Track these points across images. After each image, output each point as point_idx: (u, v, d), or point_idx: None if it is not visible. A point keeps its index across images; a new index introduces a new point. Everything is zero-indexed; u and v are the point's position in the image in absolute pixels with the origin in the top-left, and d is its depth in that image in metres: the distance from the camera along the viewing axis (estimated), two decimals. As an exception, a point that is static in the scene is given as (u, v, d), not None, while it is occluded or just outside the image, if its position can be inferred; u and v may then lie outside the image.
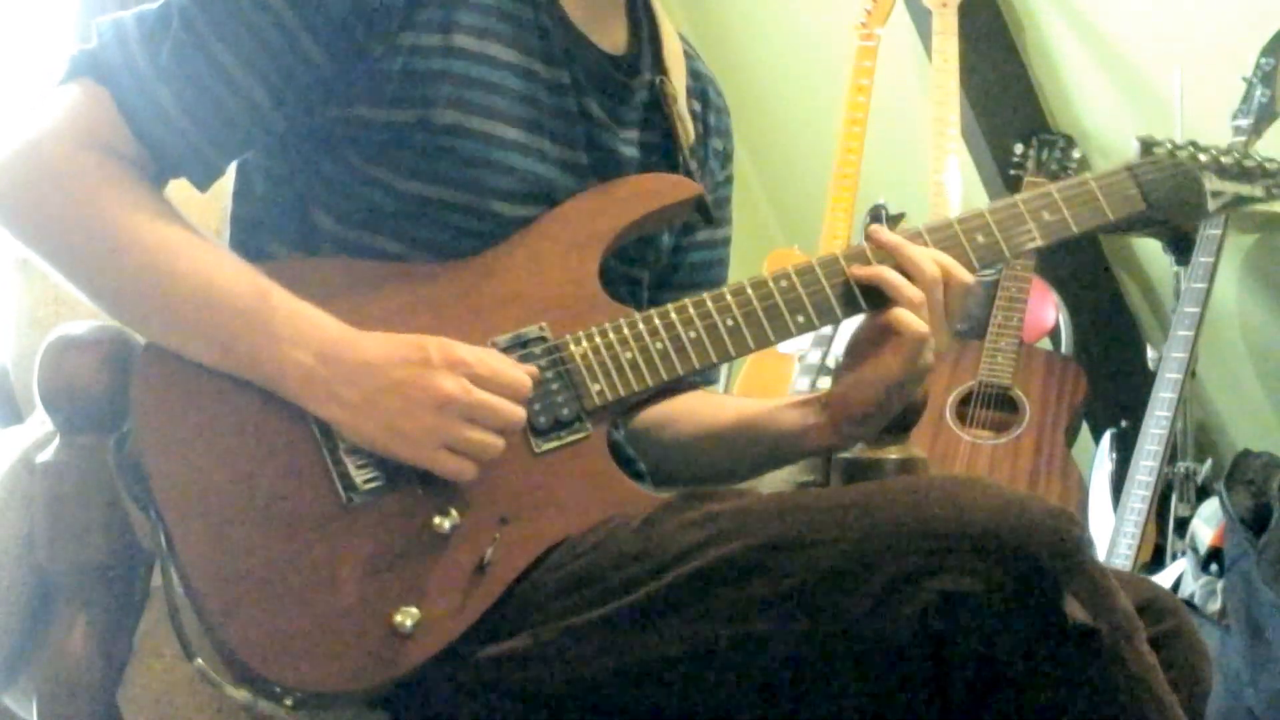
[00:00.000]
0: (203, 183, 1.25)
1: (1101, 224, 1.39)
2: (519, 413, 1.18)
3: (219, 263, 1.20)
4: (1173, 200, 1.41)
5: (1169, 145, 1.42)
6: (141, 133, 1.21)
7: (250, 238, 1.32)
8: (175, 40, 1.21)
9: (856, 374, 1.34)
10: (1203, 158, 1.43)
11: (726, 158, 1.51)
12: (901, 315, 1.28)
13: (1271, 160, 1.48)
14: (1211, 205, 1.43)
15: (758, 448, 1.44)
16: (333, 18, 1.22)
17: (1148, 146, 1.41)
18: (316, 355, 1.17)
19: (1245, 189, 1.45)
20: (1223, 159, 1.44)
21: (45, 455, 1.26)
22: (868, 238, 1.33)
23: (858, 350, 1.34)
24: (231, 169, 1.32)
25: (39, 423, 1.34)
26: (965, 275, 1.31)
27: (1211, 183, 1.43)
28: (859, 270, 1.31)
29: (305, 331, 1.17)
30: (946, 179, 3.07)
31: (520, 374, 1.19)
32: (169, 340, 1.18)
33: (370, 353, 1.17)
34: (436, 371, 1.16)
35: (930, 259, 1.30)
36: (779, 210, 4.23)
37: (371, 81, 1.24)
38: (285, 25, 1.21)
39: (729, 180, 1.52)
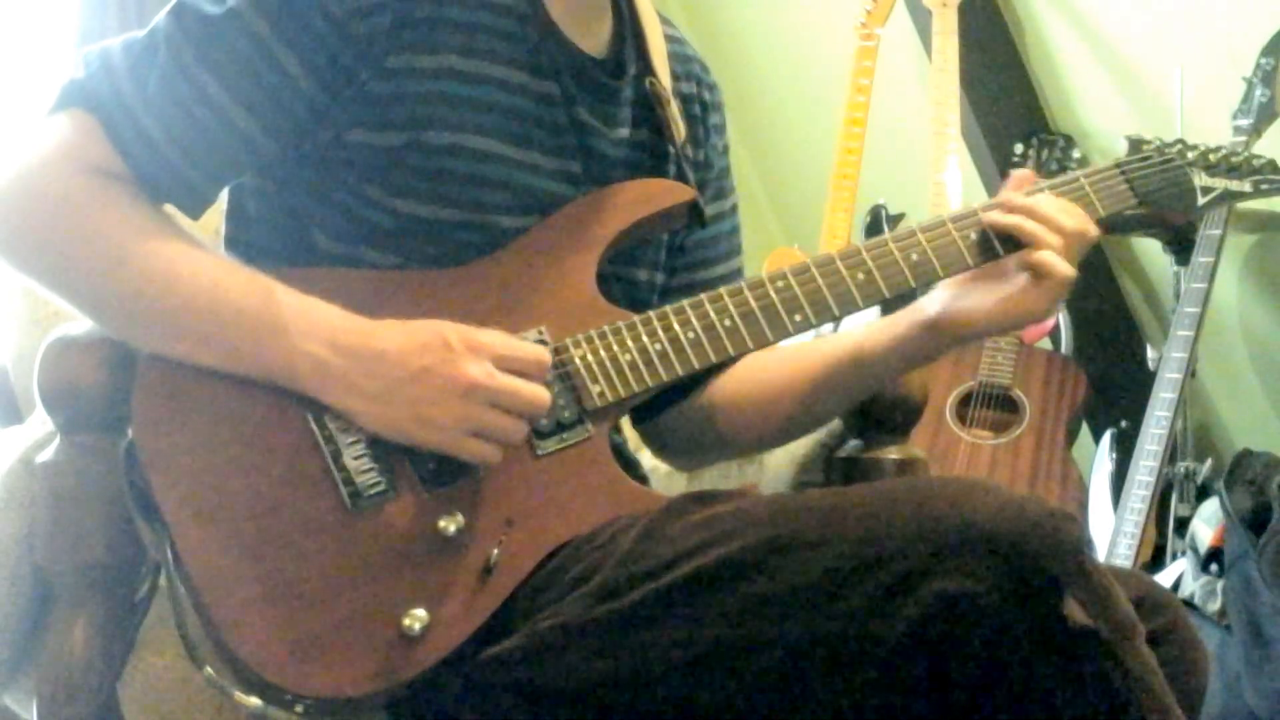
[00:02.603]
0: (193, 211, 1.25)
1: (1093, 220, 1.40)
2: (543, 394, 1.19)
3: (220, 268, 1.20)
4: (1162, 196, 1.43)
5: (1157, 143, 1.44)
6: (130, 161, 1.20)
7: (246, 258, 1.30)
8: (162, 70, 1.20)
9: (978, 302, 1.34)
10: (1191, 155, 1.46)
11: (722, 128, 1.52)
12: (1048, 260, 1.31)
13: (1259, 156, 1.49)
14: (1200, 200, 1.44)
15: (850, 382, 1.42)
16: (318, 43, 1.21)
17: (1136, 145, 1.44)
18: (329, 346, 1.17)
19: (1234, 185, 1.47)
20: (1210, 155, 1.47)
21: (45, 455, 1.26)
22: (1004, 205, 1.34)
23: (976, 283, 1.35)
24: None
25: (39, 423, 1.34)
26: (1093, 229, 1.35)
27: (1200, 179, 1.45)
28: (997, 219, 1.33)
29: (315, 324, 1.17)
30: (946, 179, 3.08)
31: (541, 351, 1.20)
32: (175, 349, 1.18)
33: (387, 341, 1.17)
34: (460, 357, 1.16)
35: (1065, 212, 1.33)
36: (779, 210, 4.23)
37: (362, 106, 1.24)
38: (271, 52, 1.21)
39: (726, 149, 1.53)
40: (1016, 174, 1.41)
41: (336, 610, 1.14)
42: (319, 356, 1.17)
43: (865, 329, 1.42)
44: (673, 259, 1.46)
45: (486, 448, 1.18)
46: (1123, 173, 1.42)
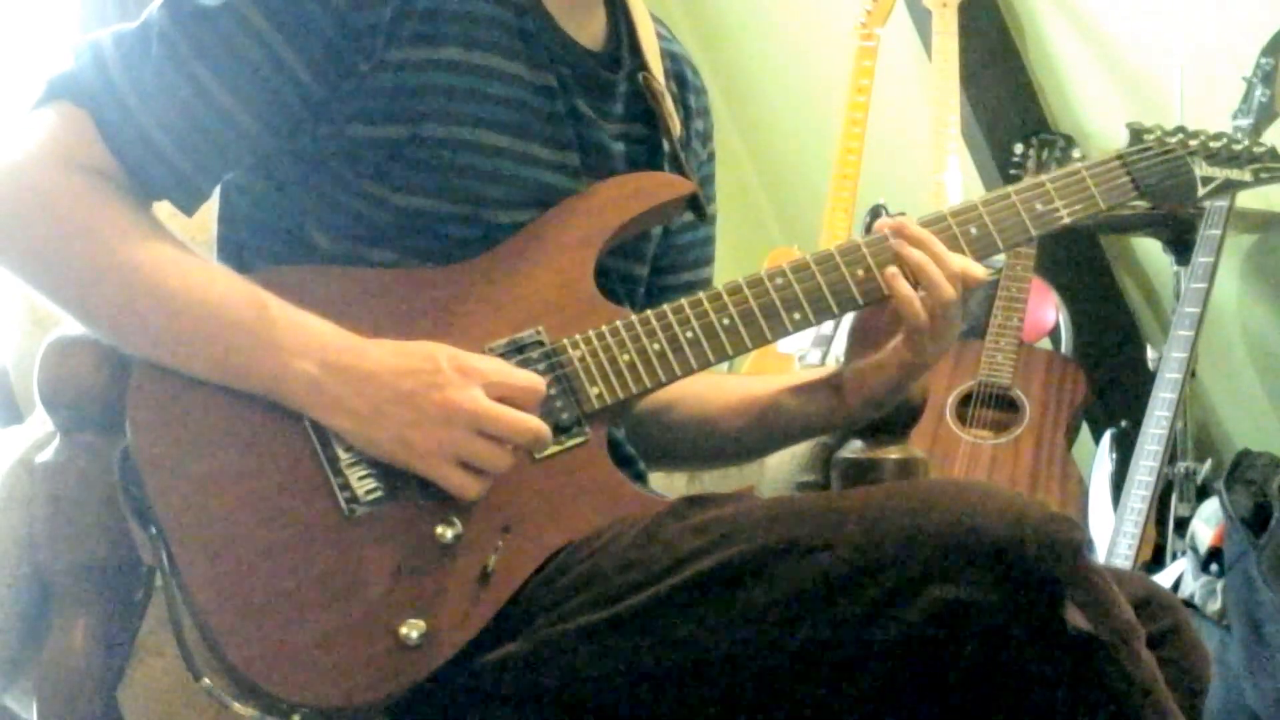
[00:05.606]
0: (188, 207, 1.23)
1: (1093, 213, 1.39)
2: (533, 423, 1.17)
3: (213, 277, 1.19)
4: (1163, 187, 1.41)
5: (1159, 132, 1.43)
6: (123, 156, 1.19)
7: (240, 259, 1.30)
8: (156, 63, 1.19)
9: (873, 357, 1.34)
10: (1192, 143, 1.44)
11: (708, 136, 1.51)
12: (908, 308, 1.28)
13: (1260, 144, 1.48)
14: (1201, 190, 1.44)
15: (763, 429, 1.44)
16: (316, 35, 1.20)
17: (1137, 134, 1.43)
18: (321, 365, 1.16)
19: (1234, 173, 1.46)
20: (1211, 144, 1.45)
21: (45, 455, 1.26)
22: (897, 232, 1.31)
23: (869, 332, 1.34)
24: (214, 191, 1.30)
25: (39, 423, 1.34)
26: (982, 274, 1.32)
27: (1201, 168, 1.44)
28: (865, 275, 1.30)
29: (308, 341, 1.16)
30: (946, 179, 3.08)
31: (535, 379, 1.19)
32: (166, 358, 1.16)
33: (378, 362, 1.16)
34: (448, 381, 1.15)
35: (956, 261, 1.30)
36: (779, 210, 4.23)
37: (361, 99, 1.23)
38: (269, 45, 1.19)
39: (712, 157, 1.51)
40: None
41: (333, 619, 1.13)
42: (310, 374, 1.15)
43: (785, 382, 1.43)
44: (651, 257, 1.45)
45: (467, 479, 1.16)
46: (1124, 165, 1.40)
